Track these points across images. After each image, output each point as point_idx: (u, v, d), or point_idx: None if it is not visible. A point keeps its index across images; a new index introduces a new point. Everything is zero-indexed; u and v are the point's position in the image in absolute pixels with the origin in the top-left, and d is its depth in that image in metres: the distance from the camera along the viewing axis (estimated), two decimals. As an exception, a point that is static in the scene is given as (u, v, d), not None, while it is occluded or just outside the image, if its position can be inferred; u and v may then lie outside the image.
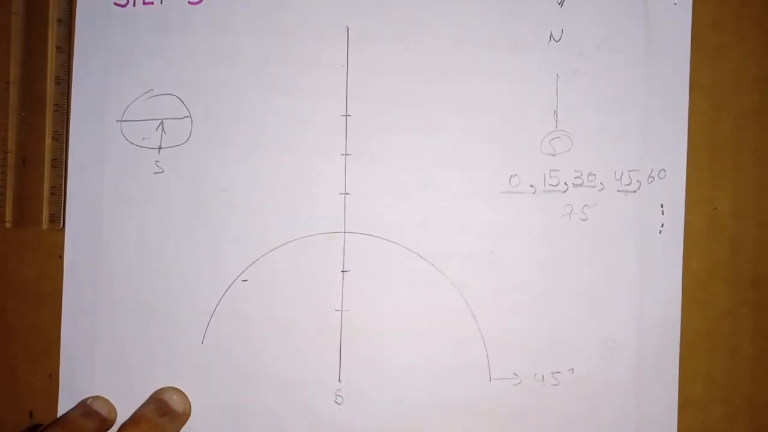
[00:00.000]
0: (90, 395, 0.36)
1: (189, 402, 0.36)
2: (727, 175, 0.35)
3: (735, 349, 0.34)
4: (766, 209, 0.34)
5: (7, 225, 0.38)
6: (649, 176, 0.34)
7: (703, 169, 0.34)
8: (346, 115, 0.36)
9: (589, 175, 0.35)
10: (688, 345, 0.34)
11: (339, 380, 0.36)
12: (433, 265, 0.35)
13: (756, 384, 0.34)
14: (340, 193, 0.36)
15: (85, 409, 0.35)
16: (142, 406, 0.35)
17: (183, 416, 0.35)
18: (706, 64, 0.34)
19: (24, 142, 0.37)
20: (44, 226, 0.37)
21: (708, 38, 0.34)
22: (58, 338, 0.37)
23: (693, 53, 0.34)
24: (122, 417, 0.36)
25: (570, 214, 0.35)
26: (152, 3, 0.37)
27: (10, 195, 0.38)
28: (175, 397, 0.36)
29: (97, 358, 0.37)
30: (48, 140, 0.37)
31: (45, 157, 0.37)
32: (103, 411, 0.36)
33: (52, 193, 0.37)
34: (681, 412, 0.34)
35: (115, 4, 0.37)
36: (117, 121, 0.37)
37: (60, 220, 0.37)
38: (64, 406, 0.37)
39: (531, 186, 0.35)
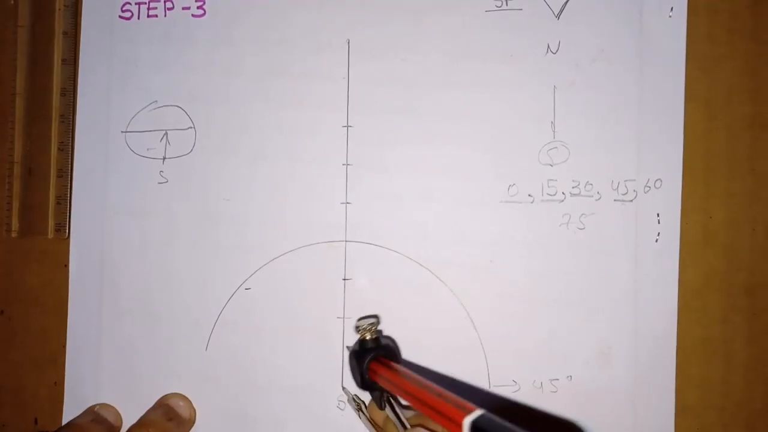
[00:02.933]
0: (95, 402, 0.37)
1: (194, 409, 0.36)
2: (721, 185, 0.35)
3: (730, 356, 0.35)
4: (760, 218, 0.35)
5: (14, 234, 0.38)
6: (645, 186, 0.35)
7: (698, 178, 0.35)
8: (347, 126, 0.36)
9: (586, 184, 0.35)
10: (684, 352, 0.35)
11: (342, 386, 0.36)
12: (432, 273, 0.36)
13: (750, 390, 0.35)
14: (342, 203, 0.36)
15: (93, 415, 0.36)
16: (149, 410, 0.36)
17: (189, 422, 0.36)
18: (701, 76, 0.35)
19: (30, 152, 0.38)
20: (50, 236, 0.38)
21: (702, 50, 0.35)
22: (64, 346, 0.37)
23: (687, 65, 0.35)
24: (127, 424, 0.36)
25: (567, 223, 0.35)
26: (156, 16, 0.38)
27: (16, 205, 0.38)
28: (181, 403, 0.36)
29: (102, 365, 0.37)
30: (54, 151, 0.38)
31: (51, 167, 0.38)
32: (111, 418, 0.36)
33: (58, 203, 0.38)
34: (677, 418, 0.34)
35: (119, 17, 0.38)
36: (122, 132, 0.38)
37: (65, 229, 0.38)
38: (69, 413, 0.37)
39: (529, 195, 0.36)
